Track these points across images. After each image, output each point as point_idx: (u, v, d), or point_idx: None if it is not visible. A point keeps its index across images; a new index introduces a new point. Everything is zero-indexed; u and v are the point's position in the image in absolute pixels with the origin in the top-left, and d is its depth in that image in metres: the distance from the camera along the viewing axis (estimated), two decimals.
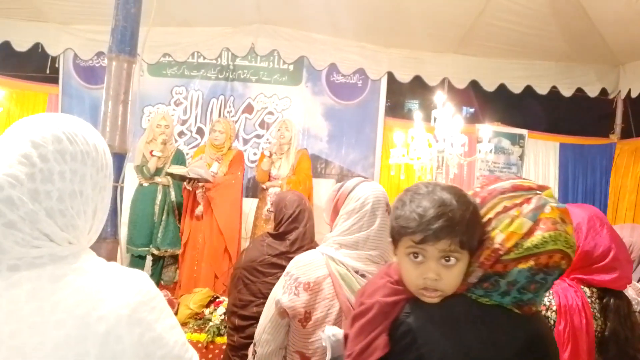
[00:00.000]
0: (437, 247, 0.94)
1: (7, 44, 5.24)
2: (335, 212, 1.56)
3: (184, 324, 3.38)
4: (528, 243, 0.94)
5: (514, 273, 0.95)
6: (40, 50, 5.33)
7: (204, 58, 5.39)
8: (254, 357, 1.57)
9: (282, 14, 5.03)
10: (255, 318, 1.63)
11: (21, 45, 5.27)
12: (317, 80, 5.47)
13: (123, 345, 0.76)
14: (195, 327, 3.37)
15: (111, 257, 2.18)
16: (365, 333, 0.99)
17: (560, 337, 1.46)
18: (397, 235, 1.00)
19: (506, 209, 0.98)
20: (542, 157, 5.56)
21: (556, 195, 5.36)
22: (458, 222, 0.94)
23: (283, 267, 1.59)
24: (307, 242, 2.23)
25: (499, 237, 0.96)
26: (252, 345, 1.62)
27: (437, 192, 0.97)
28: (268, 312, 1.54)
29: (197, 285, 3.88)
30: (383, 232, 1.49)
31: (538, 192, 0.99)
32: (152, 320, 0.80)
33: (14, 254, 0.75)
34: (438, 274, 0.95)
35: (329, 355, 1.30)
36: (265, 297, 1.62)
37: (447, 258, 0.96)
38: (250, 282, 2.27)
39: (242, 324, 2.24)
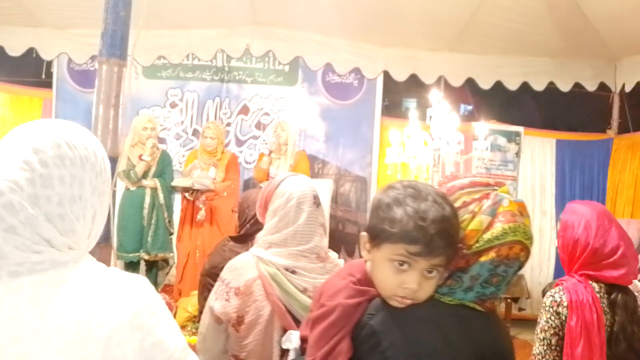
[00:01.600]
0: (430, 261, 0.91)
1: (0, 49, 5.21)
2: (266, 209, 1.55)
3: (182, 327, 3.37)
4: (488, 235, 0.95)
5: (477, 267, 0.95)
6: (34, 55, 5.31)
7: (199, 60, 5.36)
8: None
9: (277, 14, 5.01)
10: None
11: (15, 50, 5.23)
12: (313, 81, 5.45)
13: (125, 350, 0.76)
14: (193, 330, 3.38)
15: (105, 262, 2.16)
16: (327, 337, 0.96)
17: (572, 333, 1.50)
18: (386, 238, 0.92)
19: (465, 204, 0.98)
20: (539, 154, 5.54)
21: (553, 192, 5.41)
22: (456, 240, 0.93)
23: None
24: None
25: (460, 234, 0.96)
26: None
27: (433, 200, 0.92)
28: (205, 320, 1.52)
29: (196, 289, 3.88)
30: (311, 225, 1.49)
31: (495, 187, 1.00)
32: (152, 325, 0.80)
33: (14, 259, 0.76)
34: (420, 285, 0.92)
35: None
36: None
37: (430, 270, 0.93)
38: None
39: None
